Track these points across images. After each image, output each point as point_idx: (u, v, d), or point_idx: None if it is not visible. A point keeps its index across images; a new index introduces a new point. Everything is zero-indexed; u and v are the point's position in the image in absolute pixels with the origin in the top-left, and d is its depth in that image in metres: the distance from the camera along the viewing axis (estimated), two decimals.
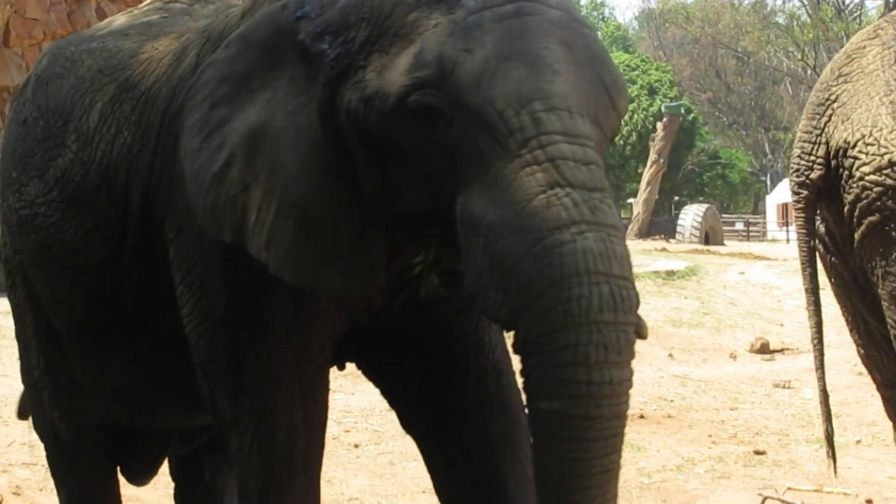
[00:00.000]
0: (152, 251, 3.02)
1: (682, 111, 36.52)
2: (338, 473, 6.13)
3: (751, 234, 40.86)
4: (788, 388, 9.20)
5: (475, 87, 2.27)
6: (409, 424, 3.19)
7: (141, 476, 4.01)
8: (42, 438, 3.84)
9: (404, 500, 5.88)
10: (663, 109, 35.22)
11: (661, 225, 35.85)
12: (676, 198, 48.33)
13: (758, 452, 6.84)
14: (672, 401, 8.56)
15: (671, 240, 28.51)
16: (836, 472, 4.60)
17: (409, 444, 6.97)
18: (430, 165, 2.35)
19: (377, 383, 3.23)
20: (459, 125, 2.29)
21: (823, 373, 4.40)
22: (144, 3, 3.75)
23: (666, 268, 15.78)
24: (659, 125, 32.07)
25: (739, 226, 41.97)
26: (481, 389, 3.04)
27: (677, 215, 34.21)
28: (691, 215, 30.27)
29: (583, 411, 2.15)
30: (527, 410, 2.26)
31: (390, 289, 2.84)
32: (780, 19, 52.52)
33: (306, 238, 2.56)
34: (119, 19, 3.66)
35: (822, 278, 4.41)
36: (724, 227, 34.53)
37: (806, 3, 48.06)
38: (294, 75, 2.61)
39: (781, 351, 11.51)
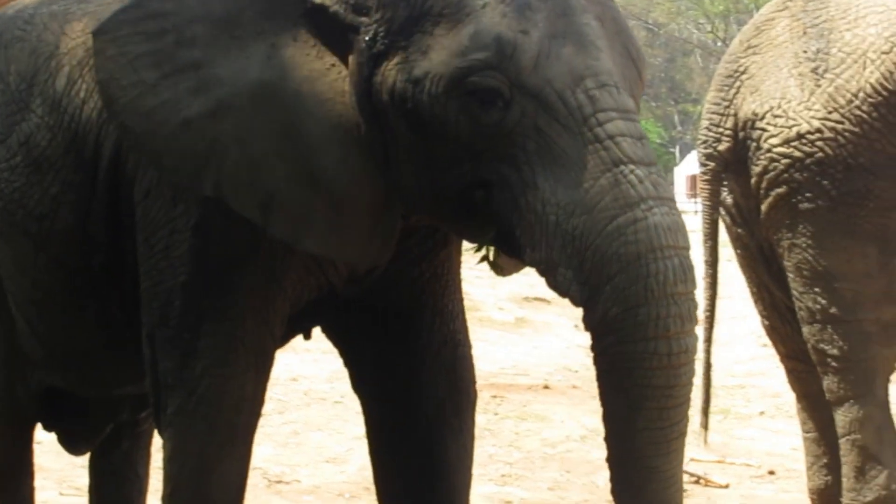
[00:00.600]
0: (120, 217, 2.95)
1: None
2: None
3: None
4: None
5: (534, 69, 2.36)
6: (359, 385, 3.19)
7: (82, 444, 3.92)
8: None
9: (308, 469, 5.85)
10: None
11: None
12: None
13: None
14: (577, 371, 8.55)
15: None
16: (706, 441, 4.79)
17: (312, 414, 7.01)
18: (483, 144, 2.41)
19: (336, 344, 3.24)
20: (518, 106, 2.37)
21: (710, 345, 4.46)
22: None
23: None
24: None
25: None
26: (438, 358, 3.08)
27: None
28: None
29: (664, 381, 2.29)
30: (602, 386, 2.41)
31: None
32: None
33: (326, 207, 2.56)
34: None
35: (729, 250, 4.43)
36: None
37: None
38: (298, 36, 2.58)
39: None
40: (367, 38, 2.48)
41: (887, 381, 4.08)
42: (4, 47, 3.25)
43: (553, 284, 2.40)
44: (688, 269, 2.29)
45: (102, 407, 3.74)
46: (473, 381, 3.11)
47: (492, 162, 2.42)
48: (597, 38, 2.40)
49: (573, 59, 2.36)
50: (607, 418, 2.43)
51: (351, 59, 2.52)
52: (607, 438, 2.44)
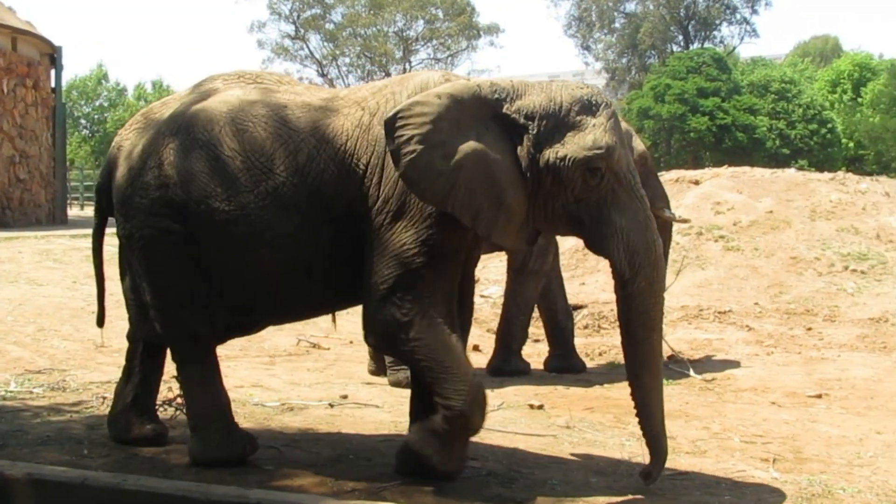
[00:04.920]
0: (346, 235, 5.38)
1: None
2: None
3: None
4: None
5: (617, 161, 5.15)
6: None
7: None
8: (176, 339, 5.87)
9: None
10: None
11: None
12: None
13: None
14: None
15: None
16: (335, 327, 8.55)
17: None
18: (584, 193, 5.14)
19: None
20: (608, 178, 5.14)
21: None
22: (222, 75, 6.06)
23: None
24: None
25: None
26: (465, 303, 5.78)
27: None
28: None
29: (656, 314, 5.35)
30: (624, 318, 5.32)
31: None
32: None
33: (504, 219, 5.16)
34: (225, 87, 5.86)
35: None
36: None
37: None
38: (490, 128, 5.14)
39: None
40: (533, 133, 5.12)
41: None
42: (234, 135, 5.49)
43: (614, 266, 5.20)
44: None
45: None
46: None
47: (587, 205, 5.16)
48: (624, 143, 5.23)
49: (627, 157, 5.25)
50: (622, 329, 5.34)
51: (523, 142, 5.13)
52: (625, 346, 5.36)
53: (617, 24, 64.58)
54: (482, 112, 5.15)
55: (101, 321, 6.66)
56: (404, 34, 63.31)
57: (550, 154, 5.08)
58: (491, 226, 5.13)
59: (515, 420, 7.43)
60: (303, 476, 5.63)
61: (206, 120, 5.60)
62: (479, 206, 5.07)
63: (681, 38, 62.81)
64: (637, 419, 5.43)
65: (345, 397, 7.99)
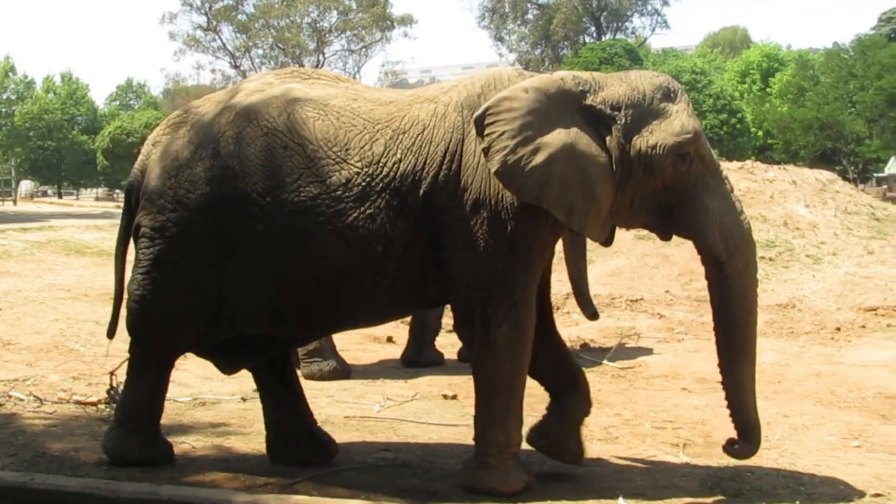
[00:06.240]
0: (423, 229, 5.17)
1: None
2: None
3: None
4: None
5: (704, 145, 5.21)
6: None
7: (236, 367, 5.97)
8: (155, 339, 5.54)
9: None
10: None
11: None
12: None
13: None
14: None
15: None
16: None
17: None
18: (675, 179, 5.15)
19: None
20: (696, 163, 5.18)
21: None
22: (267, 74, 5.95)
23: None
24: None
25: None
26: (545, 302, 5.66)
27: None
28: None
29: (754, 293, 5.33)
30: (719, 298, 5.30)
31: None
32: None
33: (596, 211, 5.06)
34: (280, 82, 5.66)
35: None
36: None
37: None
38: (577, 121, 5.09)
39: None
40: (621, 124, 5.11)
41: None
42: (301, 124, 5.28)
43: (710, 250, 5.18)
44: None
45: (272, 346, 5.78)
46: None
47: (676, 191, 5.16)
48: None
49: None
50: (717, 312, 5.31)
51: (612, 132, 5.11)
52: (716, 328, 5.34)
53: (530, 16, 64.92)
54: (568, 105, 5.12)
55: (112, 333, 6.06)
56: (318, 25, 62.84)
57: (641, 143, 5.09)
58: (584, 220, 5.05)
59: (429, 411, 7.45)
60: (215, 472, 5.58)
61: (269, 108, 5.39)
62: (573, 201, 5.00)
63: (593, 29, 63.33)
64: (728, 404, 5.31)
65: (257, 391, 7.91)
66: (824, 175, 19.77)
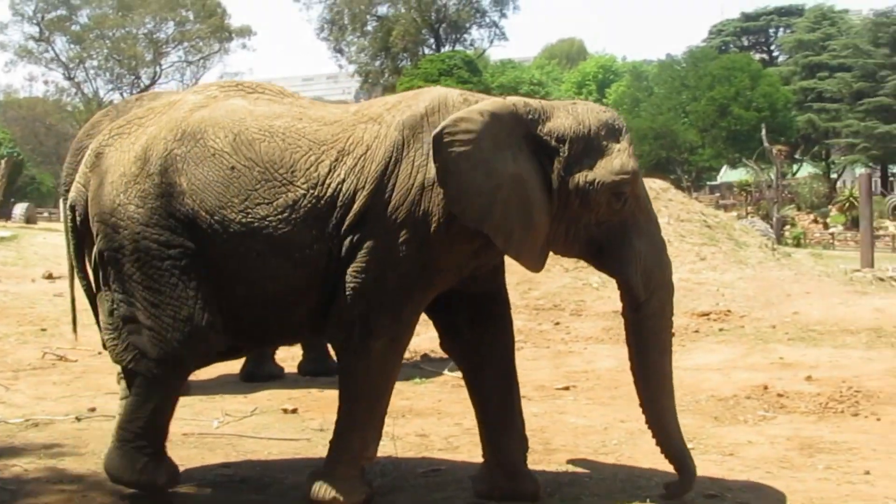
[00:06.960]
0: (357, 243, 5.12)
1: None
2: None
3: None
4: None
5: (639, 185, 5.26)
6: (460, 359, 5.80)
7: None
8: (158, 363, 5.30)
9: None
10: None
11: None
12: None
13: None
14: None
15: None
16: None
17: None
18: (608, 216, 5.18)
19: (436, 324, 5.81)
20: (630, 202, 5.20)
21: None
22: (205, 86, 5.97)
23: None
24: None
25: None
26: (506, 317, 5.73)
27: None
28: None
29: (668, 335, 5.49)
30: (635, 339, 5.38)
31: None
32: None
33: (532, 239, 5.11)
34: (225, 96, 5.66)
35: None
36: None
37: None
38: (523, 147, 5.14)
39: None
40: (564, 156, 5.14)
41: None
42: (248, 144, 5.26)
43: (631, 289, 5.24)
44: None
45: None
46: (513, 348, 5.80)
47: (608, 228, 5.20)
48: None
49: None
50: (633, 351, 5.41)
51: (554, 163, 5.14)
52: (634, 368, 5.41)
53: (369, 27, 65.07)
54: (517, 131, 5.15)
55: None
56: (154, 36, 61.85)
57: (580, 178, 5.12)
58: (521, 247, 5.10)
59: (269, 425, 7.38)
60: (47, 494, 5.43)
61: (216, 128, 5.34)
62: (513, 227, 5.04)
63: (432, 40, 63.82)
64: (656, 442, 5.37)
65: (93, 410, 7.75)
66: (657, 184, 20.24)
